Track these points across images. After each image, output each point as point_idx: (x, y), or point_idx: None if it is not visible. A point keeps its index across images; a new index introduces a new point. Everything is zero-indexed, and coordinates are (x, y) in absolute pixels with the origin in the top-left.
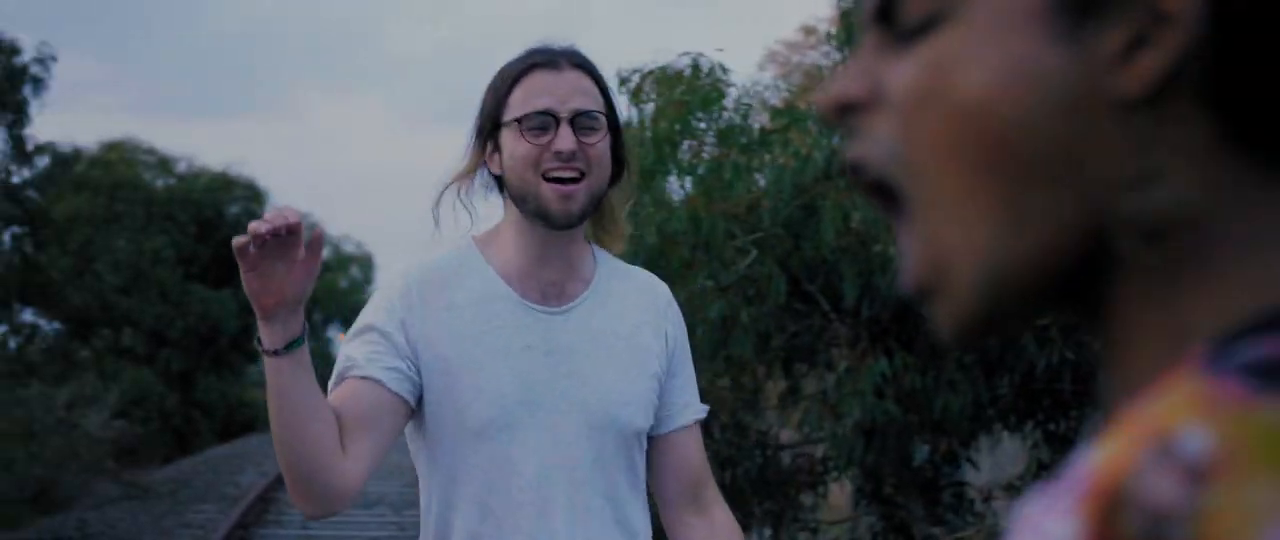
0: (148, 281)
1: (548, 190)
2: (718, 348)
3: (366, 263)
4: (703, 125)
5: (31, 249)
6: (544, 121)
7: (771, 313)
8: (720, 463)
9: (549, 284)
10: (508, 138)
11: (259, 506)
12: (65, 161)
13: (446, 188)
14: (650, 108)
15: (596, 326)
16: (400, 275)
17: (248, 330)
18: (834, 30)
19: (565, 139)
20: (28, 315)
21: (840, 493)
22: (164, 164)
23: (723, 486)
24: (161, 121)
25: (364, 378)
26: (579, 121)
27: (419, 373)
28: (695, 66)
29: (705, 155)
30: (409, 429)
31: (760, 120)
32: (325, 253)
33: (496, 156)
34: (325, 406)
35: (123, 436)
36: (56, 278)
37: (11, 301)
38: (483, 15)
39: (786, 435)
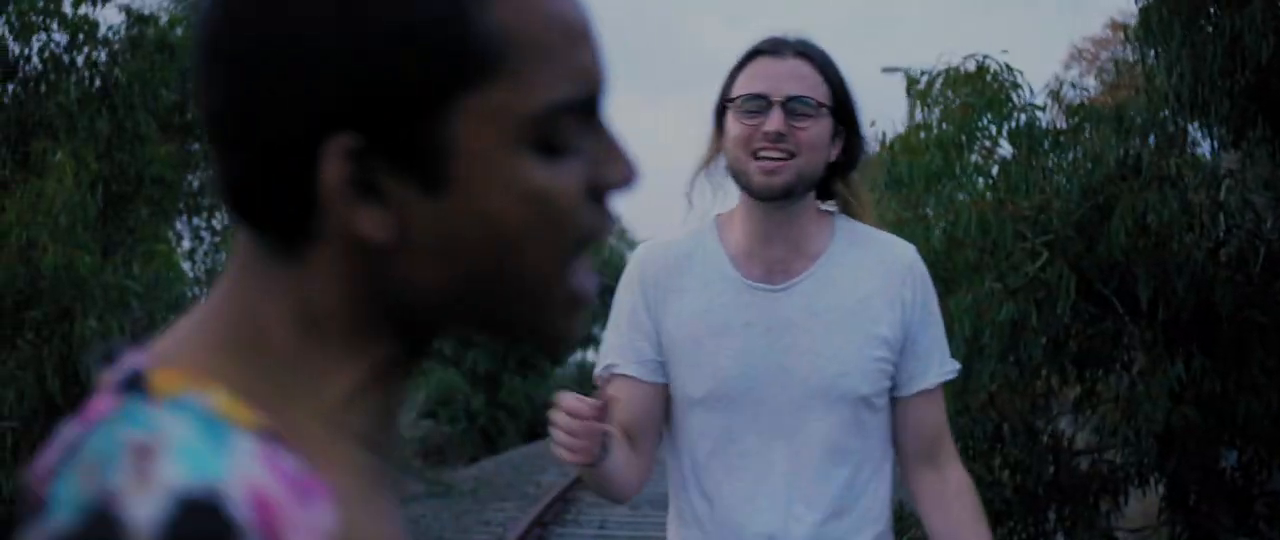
0: None
1: (754, 167)
2: (1006, 351)
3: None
4: (992, 127)
5: None
6: (758, 104)
7: (1062, 315)
8: (1011, 467)
9: (774, 261)
10: (728, 119)
11: (558, 506)
12: None
13: (697, 172)
14: (938, 111)
15: (819, 301)
16: (637, 261)
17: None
18: (1133, 25)
19: (774, 121)
20: None
21: (1140, 500)
22: None
23: (1015, 491)
24: None
25: (627, 377)
26: (791, 106)
27: (659, 349)
28: (981, 68)
29: (998, 156)
30: None
31: (1057, 119)
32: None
33: (723, 138)
34: (621, 456)
35: (430, 435)
36: None
37: None
38: (786, 10)
39: (1083, 440)
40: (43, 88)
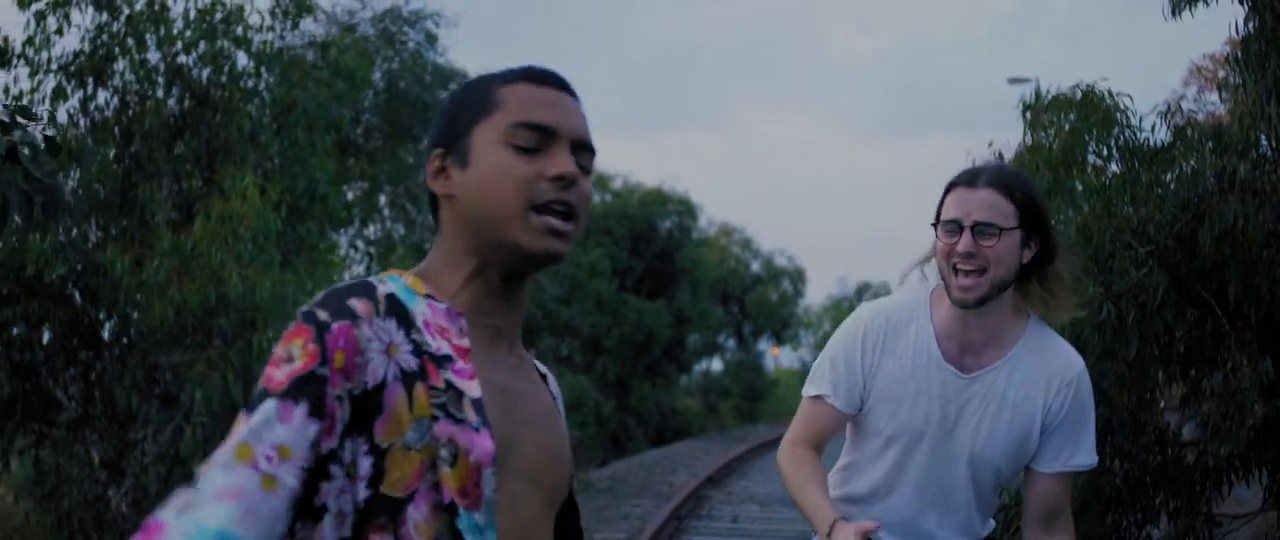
0: (585, 292)
1: (955, 282)
2: (1108, 350)
3: (798, 276)
4: (1098, 148)
5: None
6: (953, 228)
7: (1160, 316)
8: (1119, 456)
9: (969, 343)
10: (937, 234)
11: (692, 502)
12: None
13: (918, 264)
14: (1049, 132)
15: (994, 392)
16: (862, 319)
17: (681, 341)
18: (1235, 52)
19: (965, 242)
20: None
21: (1246, 489)
22: (601, 181)
23: (1124, 479)
24: (599, 139)
25: (830, 405)
26: (979, 228)
27: (865, 391)
28: (1088, 94)
29: (1106, 173)
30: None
31: (1163, 138)
32: (756, 266)
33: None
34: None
35: None
36: None
37: None
38: (925, 18)
39: (1189, 433)
40: (224, 112)
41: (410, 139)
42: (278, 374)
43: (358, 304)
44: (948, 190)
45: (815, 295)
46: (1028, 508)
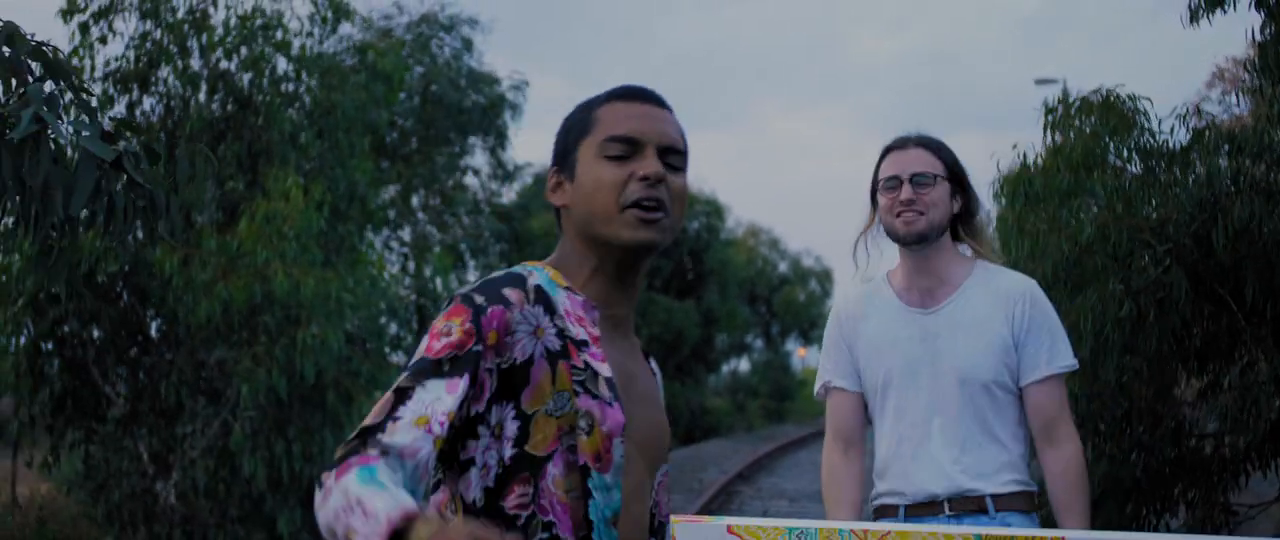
0: None
1: (898, 222)
2: (1128, 345)
3: (825, 276)
4: (1119, 149)
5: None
6: (893, 183)
7: (1178, 313)
8: (1138, 447)
9: (925, 290)
10: (879, 199)
11: (722, 497)
12: (542, 179)
13: (858, 238)
14: (1072, 133)
15: (957, 318)
16: (835, 308)
17: (709, 340)
18: (1253, 58)
19: (906, 191)
20: None
21: (1262, 481)
22: None
23: (1144, 470)
24: None
25: (841, 389)
26: (916, 178)
27: (854, 360)
28: (1108, 98)
29: (1126, 175)
30: None
31: (1182, 140)
32: (783, 267)
33: (876, 211)
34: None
35: None
36: None
37: None
38: (949, 20)
39: (1206, 426)
40: (265, 116)
41: (444, 142)
42: (437, 345)
43: (511, 292)
44: (882, 157)
45: None
46: (1032, 426)
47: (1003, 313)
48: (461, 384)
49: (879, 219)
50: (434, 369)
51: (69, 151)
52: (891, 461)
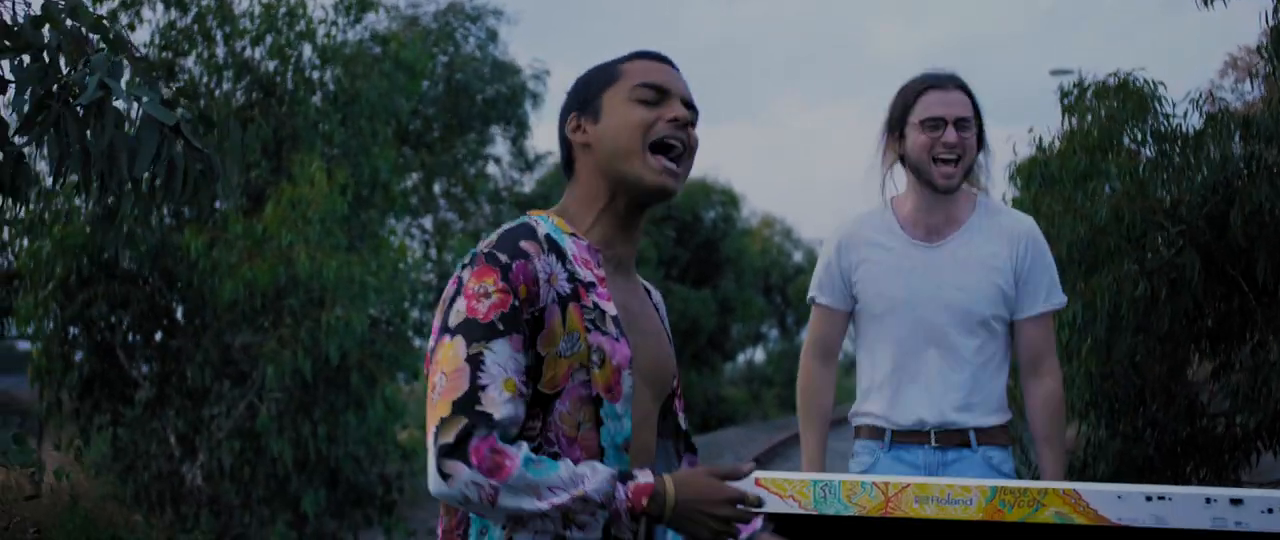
0: None
1: (936, 171)
2: (1142, 324)
3: None
4: (1134, 133)
5: None
6: (937, 124)
7: (1191, 293)
8: (1151, 425)
9: (933, 227)
10: (911, 132)
11: None
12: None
13: (883, 171)
14: (1087, 118)
15: (960, 253)
16: (837, 231)
17: (725, 329)
18: (1266, 42)
19: (951, 135)
20: None
21: (1274, 460)
22: None
23: (1156, 447)
24: None
25: (825, 306)
26: (960, 123)
27: (848, 287)
28: (1124, 82)
29: (1141, 157)
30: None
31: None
32: (798, 257)
33: (902, 144)
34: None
35: None
36: None
37: None
38: (968, 12)
39: (1218, 405)
40: (289, 104)
41: (467, 131)
42: (480, 307)
43: (528, 244)
44: (919, 93)
45: None
46: (1020, 358)
47: (1007, 250)
48: (520, 340)
49: (909, 154)
50: (491, 331)
51: (131, 115)
52: (882, 386)
